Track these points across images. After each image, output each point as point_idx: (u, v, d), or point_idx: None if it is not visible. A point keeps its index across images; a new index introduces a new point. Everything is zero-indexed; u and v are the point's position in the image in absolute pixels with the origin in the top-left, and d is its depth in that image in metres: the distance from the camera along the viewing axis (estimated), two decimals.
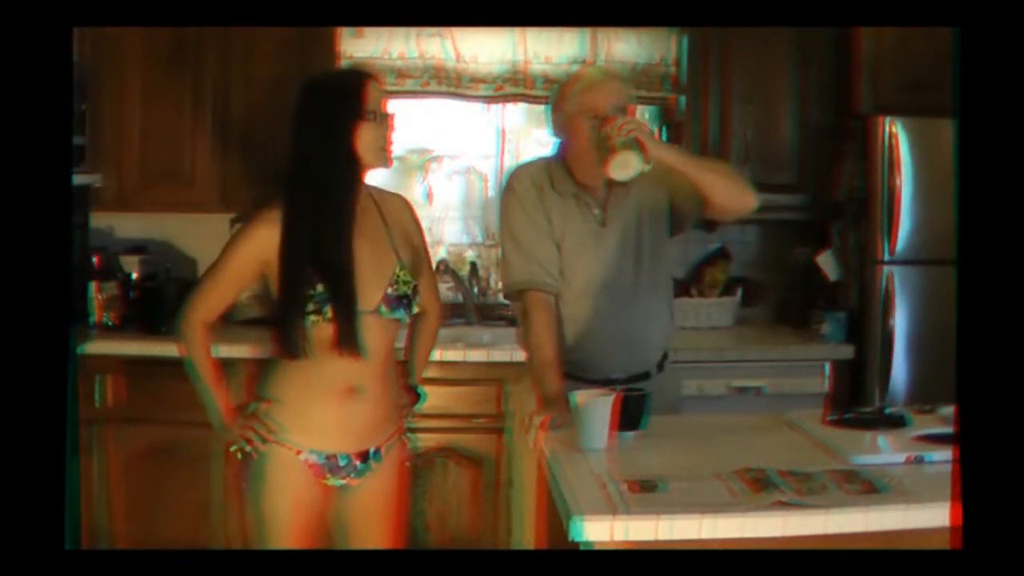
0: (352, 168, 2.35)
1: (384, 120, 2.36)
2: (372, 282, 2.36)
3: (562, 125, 2.72)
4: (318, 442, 2.37)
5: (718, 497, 1.89)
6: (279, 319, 2.32)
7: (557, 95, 2.74)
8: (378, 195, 2.49)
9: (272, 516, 2.37)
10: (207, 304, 2.40)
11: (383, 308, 2.37)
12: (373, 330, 2.35)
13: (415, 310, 2.43)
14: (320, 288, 2.29)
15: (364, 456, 2.41)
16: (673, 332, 2.87)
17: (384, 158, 2.38)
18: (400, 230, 2.47)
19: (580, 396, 2.27)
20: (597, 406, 2.25)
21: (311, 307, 2.29)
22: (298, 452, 2.36)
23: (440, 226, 4.37)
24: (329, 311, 2.29)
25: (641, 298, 2.74)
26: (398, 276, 2.40)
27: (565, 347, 2.69)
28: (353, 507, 2.45)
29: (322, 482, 2.39)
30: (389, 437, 2.46)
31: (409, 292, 2.40)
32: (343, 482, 2.41)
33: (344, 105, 2.32)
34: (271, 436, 2.35)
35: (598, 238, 2.71)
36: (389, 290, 2.38)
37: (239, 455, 2.40)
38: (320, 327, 2.30)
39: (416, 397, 2.62)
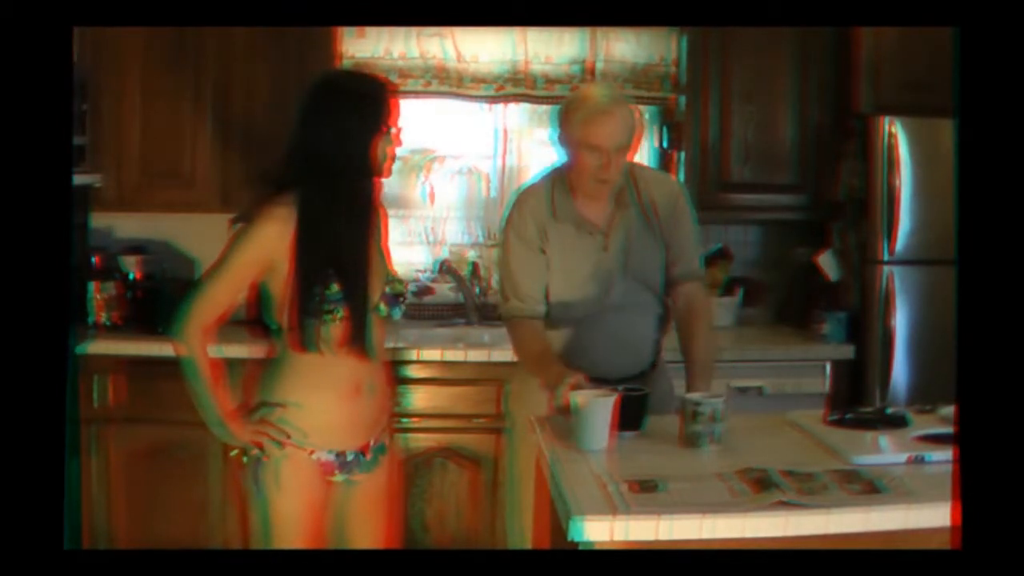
0: (369, 175, 2.40)
1: (394, 134, 2.40)
2: (374, 282, 2.40)
3: (564, 146, 2.73)
4: (330, 441, 2.39)
5: (718, 497, 1.89)
6: (297, 316, 2.32)
7: (562, 114, 2.72)
8: None
9: (284, 517, 2.38)
10: (211, 306, 2.35)
11: (381, 307, 2.42)
12: (374, 328, 2.40)
13: (403, 308, 2.50)
14: (334, 288, 2.32)
15: (366, 450, 2.45)
16: (665, 335, 2.89)
17: (389, 171, 2.43)
18: (379, 233, 2.50)
19: (580, 397, 2.26)
20: (597, 407, 2.25)
21: (327, 306, 2.32)
22: (311, 452, 2.37)
23: (441, 226, 4.37)
24: (342, 311, 2.32)
25: (635, 307, 2.78)
26: (391, 275, 2.47)
27: (559, 353, 2.75)
28: (353, 500, 2.47)
29: (329, 479, 2.41)
30: (383, 430, 2.51)
31: (403, 291, 2.47)
32: (347, 477, 2.43)
33: (371, 115, 2.35)
34: (288, 440, 2.35)
35: (598, 261, 2.74)
36: (387, 289, 2.43)
37: (244, 459, 2.39)
38: (332, 326, 2.33)
39: None
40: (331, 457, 2.39)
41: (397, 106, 2.40)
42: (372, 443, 2.46)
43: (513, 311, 2.78)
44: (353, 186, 2.37)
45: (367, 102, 2.37)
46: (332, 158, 2.33)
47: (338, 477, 2.42)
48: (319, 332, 2.32)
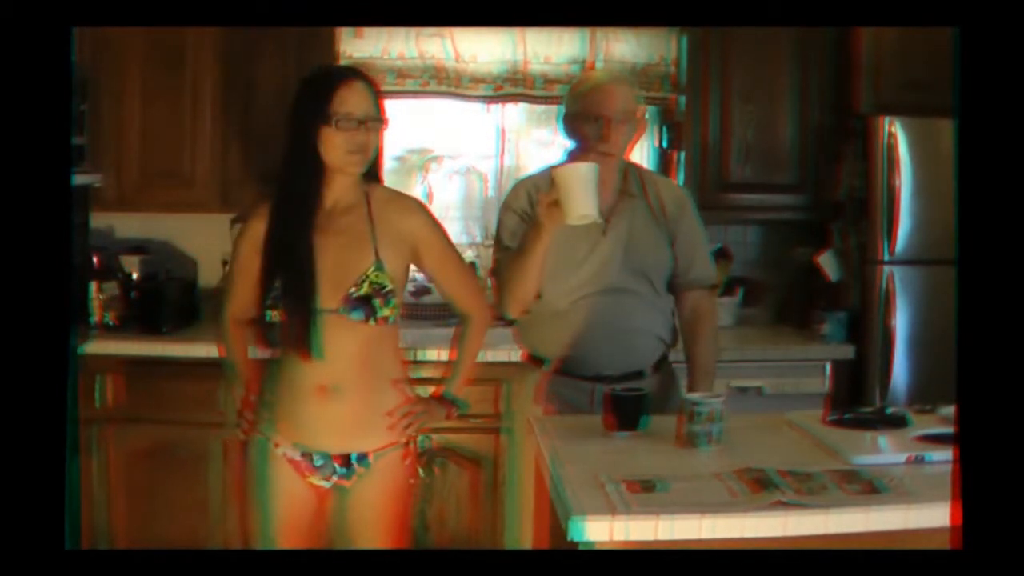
0: (312, 170, 2.34)
1: (355, 125, 2.30)
2: (336, 281, 2.34)
3: (566, 124, 2.77)
4: (292, 437, 2.39)
5: (718, 497, 1.89)
6: (258, 312, 2.39)
7: (566, 95, 2.80)
8: (379, 195, 2.44)
9: (259, 507, 2.42)
10: (232, 301, 2.52)
11: (343, 308, 2.33)
12: (335, 330, 2.33)
13: (384, 314, 2.35)
14: (277, 285, 2.33)
15: (345, 459, 2.39)
16: (672, 332, 2.88)
17: (350, 163, 2.33)
18: (393, 232, 2.40)
19: (562, 168, 2.27)
20: (577, 171, 2.24)
21: (269, 301, 2.33)
22: (276, 444, 2.39)
23: None
24: (281, 308, 2.33)
25: (631, 294, 2.76)
26: (366, 277, 2.34)
27: (560, 345, 2.74)
28: (348, 510, 2.43)
29: (306, 480, 2.40)
30: (384, 445, 2.41)
31: (372, 294, 2.34)
32: (329, 483, 2.40)
33: (309, 109, 2.32)
34: (252, 427, 2.42)
35: (596, 244, 2.72)
36: (352, 290, 2.34)
37: (240, 435, 2.49)
38: (276, 324, 2.35)
39: (451, 408, 2.55)
40: (296, 455, 2.39)
41: (351, 96, 2.30)
42: (357, 454, 2.39)
43: (495, 262, 2.83)
44: (296, 181, 2.35)
45: (305, 92, 2.35)
46: (285, 154, 2.36)
47: (316, 480, 2.40)
48: (269, 329, 2.36)
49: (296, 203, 2.35)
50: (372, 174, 2.43)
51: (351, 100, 2.31)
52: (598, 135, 2.67)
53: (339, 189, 2.38)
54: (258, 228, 2.38)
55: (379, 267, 2.36)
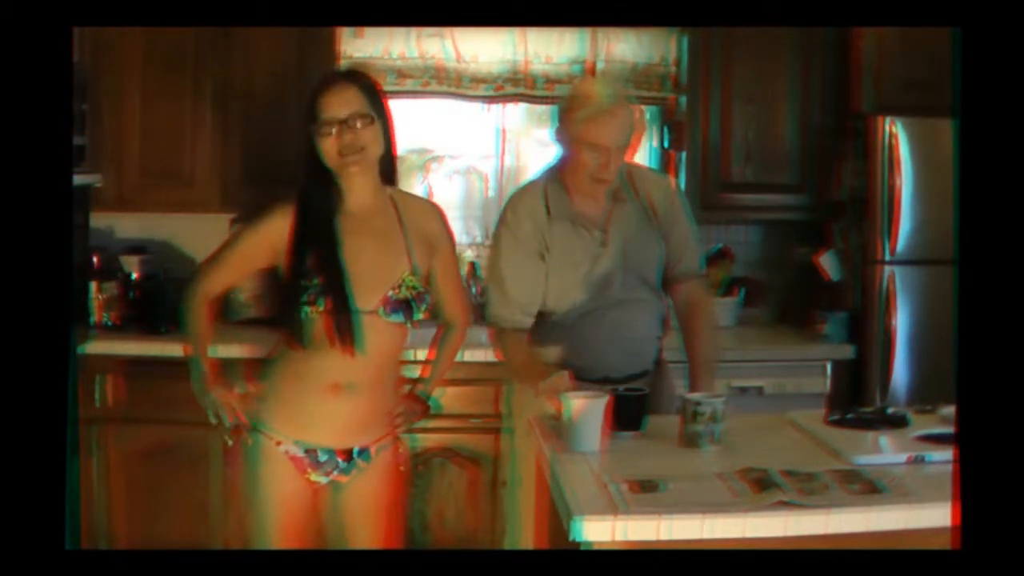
0: (322, 178, 2.38)
1: (335, 128, 2.32)
2: (374, 283, 2.37)
3: (563, 142, 2.72)
4: (297, 433, 2.38)
5: (719, 497, 1.89)
6: (284, 307, 2.36)
7: (563, 109, 2.70)
8: (403, 199, 2.50)
9: (255, 506, 2.40)
10: (213, 277, 2.47)
11: (382, 310, 2.37)
12: (371, 330, 2.36)
13: (419, 317, 2.41)
14: (316, 281, 2.32)
15: (348, 454, 2.41)
16: (666, 330, 2.88)
17: (345, 165, 2.35)
18: (420, 236, 2.46)
19: (570, 400, 2.25)
20: (588, 409, 2.24)
21: (306, 298, 2.32)
22: (278, 443, 2.38)
23: None
24: (324, 303, 2.31)
25: (635, 303, 2.77)
26: (404, 280, 2.40)
27: (564, 353, 2.73)
28: (345, 506, 2.45)
29: (305, 477, 2.40)
30: (379, 439, 2.46)
31: (412, 297, 2.40)
32: (328, 478, 2.41)
33: (306, 119, 2.36)
34: (244, 417, 2.39)
35: (597, 257, 2.72)
36: (391, 293, 2.38)
37: (229, 441, 2.45)
38: (315, 319, 2.32)
39: (426, 407, 2.62)
40: (299, 452, 2.38)
41: (331, 99, 2.33)
42: (358, 449, 2.43)
43: (498, 320, 2.75)
44: (311, 188, 2.38)
45: (308, 101, 2.37)
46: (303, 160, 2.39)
47: (315, 477, 2.40)
48: (302, 323, 2.34)
49: (317, 208, 2.37)
50: (388, 176, 2.45)
51: (331, 104, 2.33)
52: (597, 164, 2.62)
53: (359, 192, 2.41)
54: (280, 225, 2.37)
55: (415, 271, 2.42)
